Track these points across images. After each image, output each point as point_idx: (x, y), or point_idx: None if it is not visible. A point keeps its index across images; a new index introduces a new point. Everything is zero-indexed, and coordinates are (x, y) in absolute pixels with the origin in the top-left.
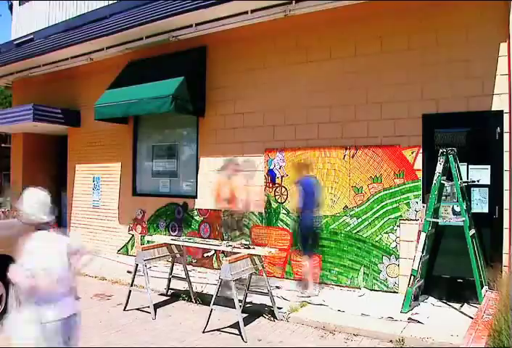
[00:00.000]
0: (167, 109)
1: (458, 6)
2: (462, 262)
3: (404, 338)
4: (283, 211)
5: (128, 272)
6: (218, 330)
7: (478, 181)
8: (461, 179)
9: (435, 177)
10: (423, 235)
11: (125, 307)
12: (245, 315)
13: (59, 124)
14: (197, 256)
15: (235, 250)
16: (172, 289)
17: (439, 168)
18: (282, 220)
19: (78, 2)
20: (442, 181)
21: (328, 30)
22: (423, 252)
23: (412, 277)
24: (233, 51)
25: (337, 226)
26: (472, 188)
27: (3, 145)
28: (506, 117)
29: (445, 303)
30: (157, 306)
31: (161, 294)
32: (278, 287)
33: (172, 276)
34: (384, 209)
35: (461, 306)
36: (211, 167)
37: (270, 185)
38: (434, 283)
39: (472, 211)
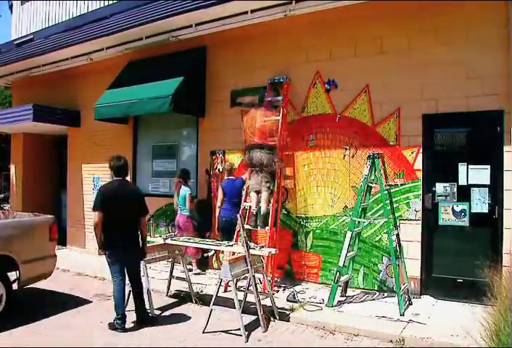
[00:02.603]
0: (166, 109)
1: (458, 6)
2: (462, 262)
3: (404, 338)
4: (283, 211)
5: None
6: (218, 330)
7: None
8: (387, 182)
9: (362, 180)
10: (348, 234)
11: (125, 308)
12: (245, 315)
13: (59, 124)
14: (197, 256)
15: (235, 250)
16: (172, 290)
17: (366, 171)
18: (282, 220)
19: (78, 2)
20: (369, 183)
21: (328, 30)
22: (348, 250)
23: (338, 273)
24: (233, 51)
25: (337, 226)
26: (472, 188)
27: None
28: (506, 117)
29: (445, 303)
30: (157, 306)
31: (161, 295)
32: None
33: (172, 276)
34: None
35: (462, 306)
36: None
37: None
38: (434, 283)
39: (472, 211)
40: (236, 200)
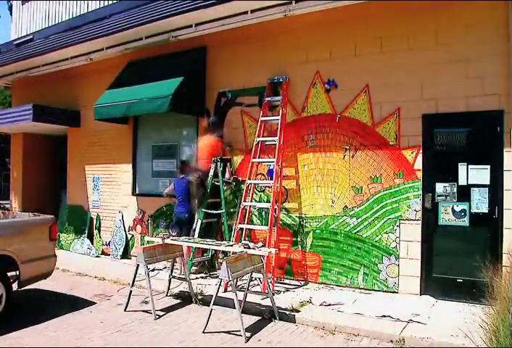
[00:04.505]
0: (166, 109)
1: (458, 6)
2: (462, 262)
3: (404, 338)
4: (283, 211)
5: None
6: (219, 330)
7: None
8: (224, 178)
9: (208, 179)
10: (198, 222)
11: (126, 308)
12: (245, 315)
13: (59, 124)
14: (197, 256)
15: (235, 249)
16: (172, 289)
17: (212, 172)
18: (282, 220)
19: (78, 2)
20: (214, 182)
21: (328, 30)
22: (199, 235)
23: (192, 253)
24: (233, 51)
25: (337, 226)
26: (472, 188)
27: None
28: (506, 117)
29: (445, 303)
30: (157, 306)
31: (161, 295)
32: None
33: (173, 276)
34: (384, 209)
35: (461, 306)
36: None
37: (270, 184)
38: (434, 283)
39: (472, 211)
40: (182, 198)
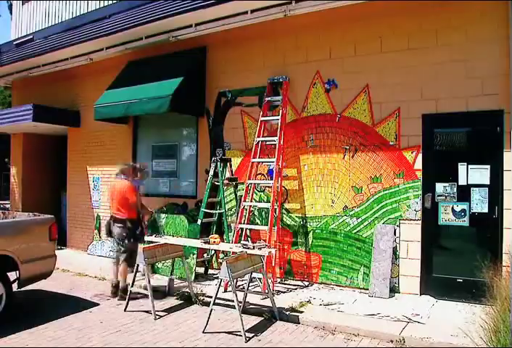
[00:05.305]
0: (166, 109)
1: (458, 6)
2: (462, 262)
3: (404, 338)
4: (283, 211)
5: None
6: (219, 330)
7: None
8: (224, 177)
9: (208, 178)
10: (199, 221)
11: (126, 308)
12: (245, 315)
13: (59, 124)
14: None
15: (235, 250)
16: (172, 289)
17: (212, 172)
18: (282, 220)
19: (78, 2)
20: (214, 181)
21: (328, 30)
22: (200, 236)
23: (194, 255)
24: (233, 51)
25: (337, 226)
26: (472, 188)
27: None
28: (506, 117)
29: (445, 303)
30: (157, 306)
31: (161, 294)
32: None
33: (174, 277)
34: (384, 209)
35: (461, 306)
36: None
37: (270, 184)
38: (434, 283)
39: (472, 211)
40: None
